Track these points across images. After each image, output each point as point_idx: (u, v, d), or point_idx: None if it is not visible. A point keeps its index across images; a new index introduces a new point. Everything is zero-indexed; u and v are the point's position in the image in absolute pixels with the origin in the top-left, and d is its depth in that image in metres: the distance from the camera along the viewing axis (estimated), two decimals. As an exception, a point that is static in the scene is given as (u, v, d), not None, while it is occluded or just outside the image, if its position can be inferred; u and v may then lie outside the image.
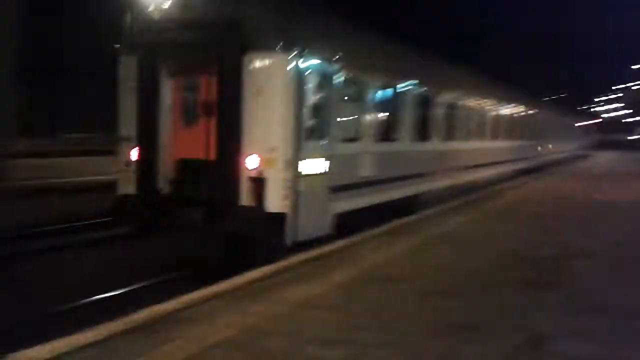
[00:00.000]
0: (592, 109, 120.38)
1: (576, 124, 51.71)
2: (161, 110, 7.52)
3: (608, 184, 19.44)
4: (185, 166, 7.53)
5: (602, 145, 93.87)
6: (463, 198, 13.94)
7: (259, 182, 6.82)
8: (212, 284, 5.32)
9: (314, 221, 7.26)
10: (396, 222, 9.46)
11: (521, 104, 22.01)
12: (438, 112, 12.09)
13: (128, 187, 7.50)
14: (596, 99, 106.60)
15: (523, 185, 18.30)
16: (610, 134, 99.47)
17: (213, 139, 6.99)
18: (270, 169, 6.80)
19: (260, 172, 6.80)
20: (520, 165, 21.70)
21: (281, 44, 6.91)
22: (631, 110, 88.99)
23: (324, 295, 5.07)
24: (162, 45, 7.26)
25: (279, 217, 6.77)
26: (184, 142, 7.52)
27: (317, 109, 7.62)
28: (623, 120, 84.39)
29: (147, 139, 7.47)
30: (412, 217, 10.11)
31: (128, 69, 7.65)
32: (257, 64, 6.89)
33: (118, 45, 7.85)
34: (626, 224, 10.08)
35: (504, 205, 12.41)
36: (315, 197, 7.34)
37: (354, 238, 7.92)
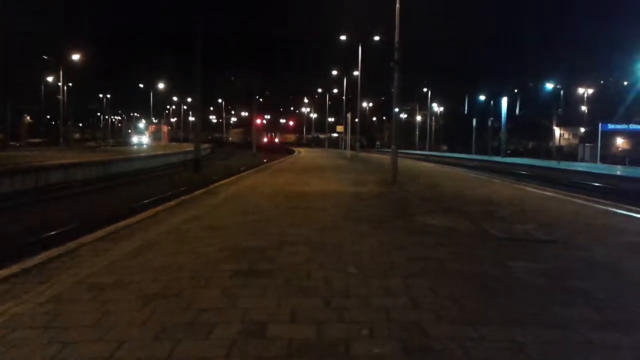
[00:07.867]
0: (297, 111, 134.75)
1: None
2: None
3: (309, 177, 21.72)
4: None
5: (308, 143, 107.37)
6: (181, 197, 14.09)
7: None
8: None
9: None
10: (114, 226, 9.07)
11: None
12: None
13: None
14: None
15: (237, 181, 19.26)
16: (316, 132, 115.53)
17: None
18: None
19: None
20: None
21: None
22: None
23: (34, 314, 4.59)
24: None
25: None
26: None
27: None
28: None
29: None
30: (132, 220, 9.81)
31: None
32: None
33: None
34: (337, 212, 11.31)
35: (221, 202, 12.89)
36: None
37: (70, 244, 7.42)
